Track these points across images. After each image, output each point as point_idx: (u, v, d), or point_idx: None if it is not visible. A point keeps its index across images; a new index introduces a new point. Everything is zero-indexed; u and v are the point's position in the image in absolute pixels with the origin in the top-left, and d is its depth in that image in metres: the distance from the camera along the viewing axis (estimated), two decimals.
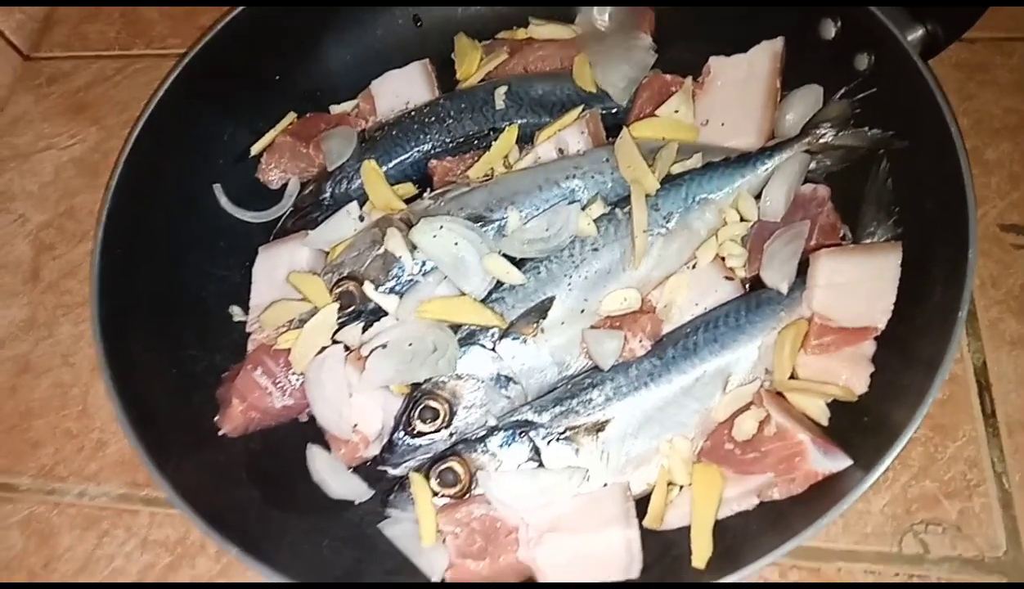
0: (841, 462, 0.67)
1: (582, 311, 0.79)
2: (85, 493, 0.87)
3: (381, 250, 0.82)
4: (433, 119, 0.93)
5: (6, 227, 1.04)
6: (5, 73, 1.16)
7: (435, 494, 0.74)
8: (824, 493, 0.67)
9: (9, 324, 0.98)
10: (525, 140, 0.92)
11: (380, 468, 0.78)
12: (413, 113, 0.94)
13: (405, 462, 0.77)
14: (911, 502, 0.75)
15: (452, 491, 0.73)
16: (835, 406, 0.73)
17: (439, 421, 0.77)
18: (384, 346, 0.78)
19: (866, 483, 0.63)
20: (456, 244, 0.79)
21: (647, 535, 0.70)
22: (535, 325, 0.78)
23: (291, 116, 0.98)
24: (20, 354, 0.95)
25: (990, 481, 0.75)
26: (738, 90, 0.90)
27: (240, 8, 0.93)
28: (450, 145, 0.93)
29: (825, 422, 0.73)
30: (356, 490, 0.77)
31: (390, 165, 0.92)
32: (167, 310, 0.85)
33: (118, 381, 0.74)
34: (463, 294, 0.80)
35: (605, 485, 0.73)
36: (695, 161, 0.86)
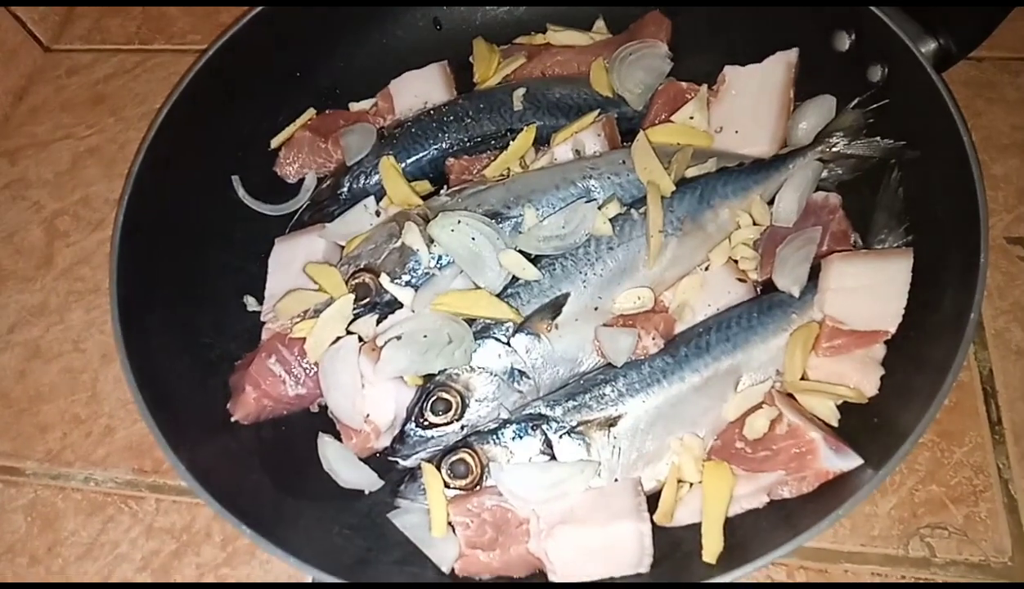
0: (852, 461, 0.68)
1: (596, 309, 0.80)
2: (91, 478, 0.87)
3: (398, 244, 0.83)
4: (452, 118, 0.94)
5: (21, 213, 1.05)
6: (26, 63, 1.17)
7: (446, 485, 0.74)
8: (834, 492, 0.68)
9: (21, 309, 0.98)
10: (541, 142, 0.93)
11: (391, 459, 0.78)
12: (432, 111, 0.95)
13: (416, 453, 0.78)
14: (918, 506, 0.76)
15: (463, 483, 0.74)
16: (845, 408, 0.74)
17: (451, 413, 0.77)
18: (399, 337, 0.78)
19: (876, 482, 0.63)
20: (473, 239, 0.80)
21: (656, 531, 0.70)
22: (549, 321, 0.79)
23: (310, 112, 0.99)
24: (31, 339, 0.96)
25: (996, 487, 0.76)
26: (752, 99, 0.91)
27: (261, 6, 0.94)
28: (467, 144, 0.94)
29: (835, 423, 0.73)
30: (367, 480, 0.78)
31: (408, 162, 0.94)
32: (183, 297, 0.85)
33: (134, 364, 0.74)
34: (479, 288, 0.80)
35: (616, 480, 0.73)
36: (710, 166, 0.87)
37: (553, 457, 0.73)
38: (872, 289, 0.75)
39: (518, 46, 1.03)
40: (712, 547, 0.67)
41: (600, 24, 1.03)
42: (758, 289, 0.83)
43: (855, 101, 0.86)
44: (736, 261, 0.84)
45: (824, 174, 0.87)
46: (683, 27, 0.98)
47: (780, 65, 0.91)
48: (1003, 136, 0.96)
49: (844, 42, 0.88)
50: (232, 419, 0.80)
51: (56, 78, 1.18)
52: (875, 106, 0.85)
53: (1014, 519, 0.74)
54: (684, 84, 0.94)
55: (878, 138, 0.84)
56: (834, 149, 0.86)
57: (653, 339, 0.77)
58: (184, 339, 0.83)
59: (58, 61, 1.19)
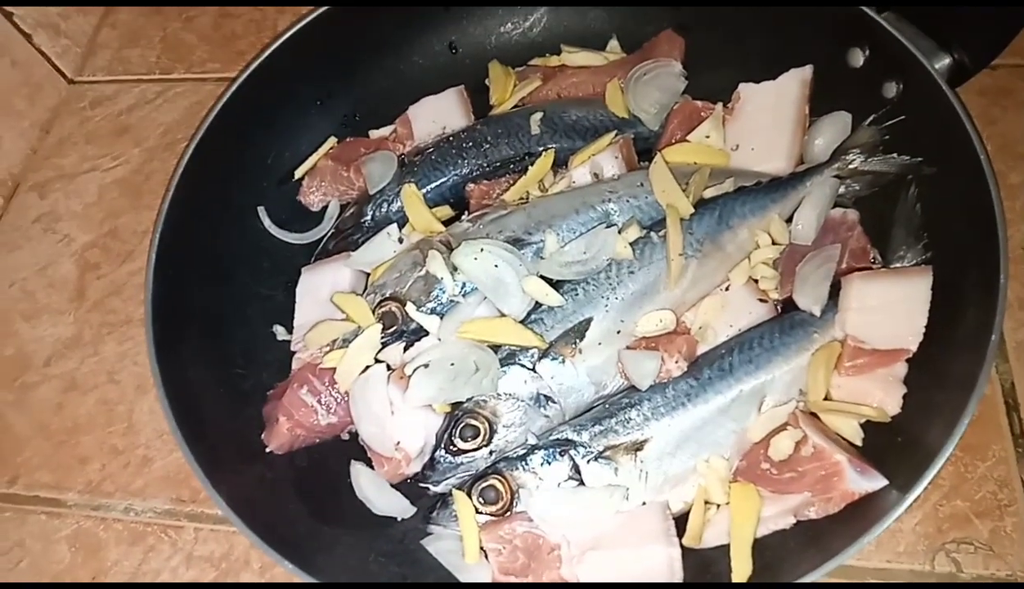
0: (877, 482, 0.69)
1: (618, 332, 0.82)
2: (131, 508, 0.89)
3: (422, 272, 0.84)
4: (471, 144, 0.96)
5: (53, 246, 1.08)
6: (51, 97, 1.20)
7: (477, 511, 0.75)
8: (860, 512, 0.69)
9: (56, 342, 1.00)
10: (558, 164, 0.94)
11: (422, 485, 0.80)
12: (451, 138, 0.97)
13: (446, 479, 0.79)
14: (943, 521, 0.77)
15: (493, 508, 0.75)
16: (868, 426, 0.75)
17: (479, 439, 0.79)
18: (426, 365, 0.80)
19: (904, 503, 0.64)
20: (496, 266, 0.82)
21: (686, 553, 0.72)
22: (573, 346, 0.80)
23: (332, 140, 1.01)
24: (67, 371, 0.98)
25: (1021, 501, 0.76)
26: (767, 116, 0.92)
27: (283, 37, 0.95)
28: (487, 169, 0.96)
29: (859, 442, 0.74)
30: (399, 506, 0.79)
31: (428, 188, 0.95)
32: (214, 329, 0.87)
33: (171, 397, 0.76)
34: (503, 315, 0.82)
35: (644, 503, 0.75)
36: (727, 186, 0.88)
37: (581, 482, 0.75)
38: (893, 308, 0.76)
39: (533, 68, 1.04)
40: (741, 569, 0.69)
41: (614, 44, 1.04)
42: (778, 307, 0.84)
43: (871, 117, 0.87)
44: (756, 281, 0.84)
45: (841, 190, 0.88)
46: (696, 45, 0.99)
47: (795, 82, 0.92)
48: (1019, 144, 0.96)
49: (858, 59, 0.88)
50: (267, 449, 0.82)
51: (80, 110, 1.20)
52: (891, 122, 0.85)
53: None
54: (699, 103, 0.95)
55: (894, 154, 0.85)
56: (851, 166, 0.87)
57: (676, 362, 0.79)
58: (217, 370, 0.86)
59: (82, 93, 1.22)
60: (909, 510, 0.76)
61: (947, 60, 0.83)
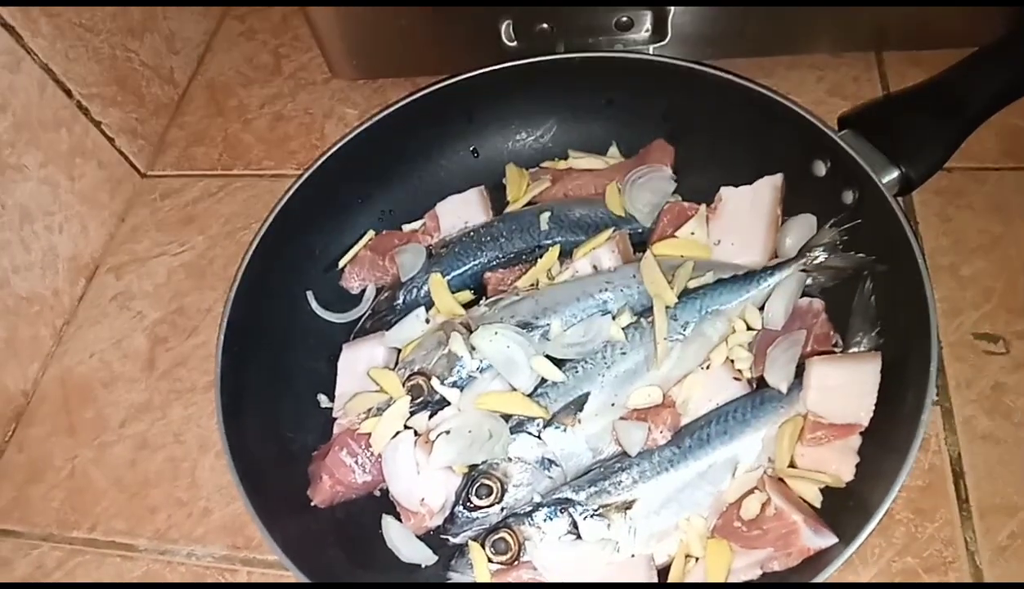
0: (829, 539, 0.80)
1: (612, 404, 0.95)
2: (193, 553, 1.02)
3: (445, 350, 0.98)
4: (489, 238, 1.11)
5: (127, 322, 1.23)
6: (126, 189, 1.37)
7: (490, 560, 0.88)
8: (816, 565, 0.80)
9: (129, 406, 1.15)
10: (564, 255, 1.09)
11: (443, 536, 0.93)
12: (472, 232, 1.12)
13: (464, 532, 0.92)
14: (895, 575, 0.87)
15: (504, 558, 0.88)
16: (827, 490, 0.86)
17: (492, 497, 0.91)
18: (448, 432, 0.93)
19: (845, 555, 0.76)
20: (508, 347, 0.96)
21: None
22: (574, 416, 0.94)
23: (370, 233, 1.17)
24: (139, 432, 1.13)
25: (963, 559, 0.87)
26: (745, 216, 1.06)
27: (332, 149, 1.12)
28: (502, 260, 1.10)
29: (818, 504, 0.86)
30: (423, 555, 0.92)
31: (452, 276, 1.10)
32: (268, 397, 1.01)
33: (235, 456, 0.90)
34: (514, 389, 0.96)
35: (632, 556, 0.87)
36: (708, 277, 1.02)
37: (579, 536, 0.87)
38: (847, 388, 0.88)
39: (544, 170, 1.20)
40: None
41: (614, 150, 1.19)
42: (752, 385, 0.97)
43: (832, 220, 1.00)
44: (732, 361, 0.97)
45: (809, 282, 1.01)
46: (685, 153, 1.14)
47: (768, 187, 1.06)
48: (971, 240, 1.09)
49: (821, 169, 1.02)
50: (312, 503, 0.95)
51: (152, 201, 1.37)
52: (848, 225, 0.98)
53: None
54: (686, 203, 1.09)
55: (852, 252, 0.98)
56: (815, 261, 0.99)
57: (662, 431, 0.91)
58: (271, 433, 0.99)
59: (153, 186, 1.39)
60: (865, 564, 0.89)
61: (896, 173, 0.97)
